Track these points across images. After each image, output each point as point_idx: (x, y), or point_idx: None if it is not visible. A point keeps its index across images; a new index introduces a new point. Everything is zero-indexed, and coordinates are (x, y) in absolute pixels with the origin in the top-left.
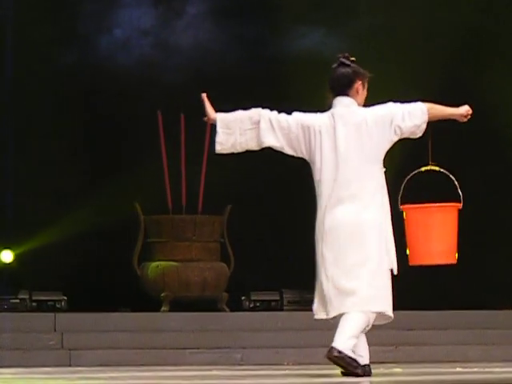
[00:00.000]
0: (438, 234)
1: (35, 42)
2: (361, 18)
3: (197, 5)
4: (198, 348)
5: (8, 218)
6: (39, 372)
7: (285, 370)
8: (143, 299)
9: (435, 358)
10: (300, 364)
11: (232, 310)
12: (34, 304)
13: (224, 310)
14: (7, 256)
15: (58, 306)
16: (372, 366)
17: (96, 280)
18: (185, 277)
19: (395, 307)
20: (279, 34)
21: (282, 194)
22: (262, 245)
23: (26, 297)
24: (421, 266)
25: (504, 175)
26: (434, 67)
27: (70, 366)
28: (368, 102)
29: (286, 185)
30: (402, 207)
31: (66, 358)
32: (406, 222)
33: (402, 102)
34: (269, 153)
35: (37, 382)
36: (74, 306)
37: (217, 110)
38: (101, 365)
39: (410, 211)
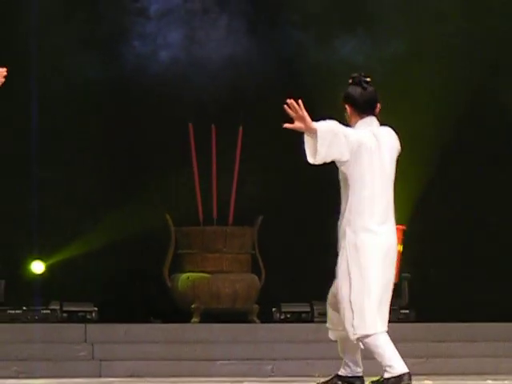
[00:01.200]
0: None
1: (61, 49)
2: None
3: (230, 17)
4: (229, 359)
5: (39, 228)
6: (70, 383)
7: (315, 381)
8: (174, 311)
9: (466, 370)
10: (330, 376)
11: (263, 322)
12: (64, 315)
13: (254, 322)
14: (38, 267)
15: (88, 316)
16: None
17: (127, 291)
18: (215, 288)
19: (427, 319)
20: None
21: (313, 204)
22: (293, 256)
23: (57, 307)
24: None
25: None
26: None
27: (100, 376)
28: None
29: (317, 196)
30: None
31: (97, 368)
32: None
33: None
34: (300, 164)
35: None
36: (104, 317)
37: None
38: (131, 376)
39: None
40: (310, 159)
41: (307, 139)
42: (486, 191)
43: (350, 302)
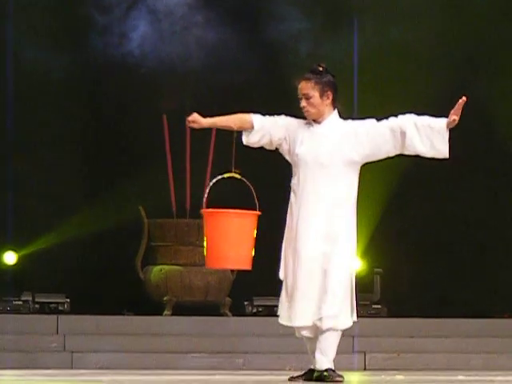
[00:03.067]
0: (235, 240)
1: (39, 38)
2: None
3: (210, 7)
4: (200, 352)
5: (11, 219)
6: (41, 374)
7: (287, 375)
8: (146, 303)
9: (437, 365)
10: (302, 369)
11: (235, 315)
12: (36, 306)
13: (227, 315)
14: (10, 258)
15: (60, 308)
16: (375, 373)
17: (99, 283)
18: (188, 281)
19: (399, 314)
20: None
21: (284, 197)
22: (265, 250)
23: (29, 299)
24: (232, 270)
25: None
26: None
27: (72, 368)
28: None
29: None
30: (202, 211)
31: (69, 360)
32: (204, 226)
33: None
34: (274, 156)
35: None
36: (76, 309)
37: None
38: (102, 367)
39: (208, 215)
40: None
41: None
42: (460, 188)
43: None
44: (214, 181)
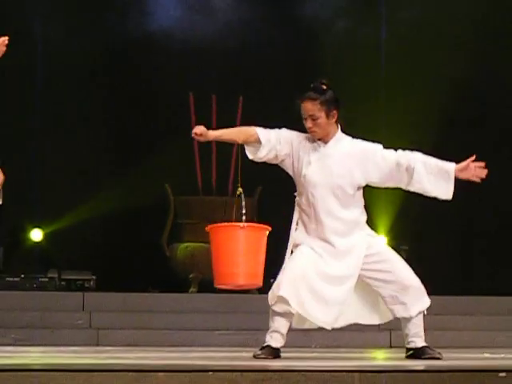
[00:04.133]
0: (244, 255)
1: (65, 18)
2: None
3: None
4: (227, 329)
5: (37, 197)
6: (67, 351)
7: (312, 352)
8: (172, 280)
9: (462, 343)
10: (327, 347)
11: (261, 292)
12: (62, 283)
13: (253, 292)
14: (37, 235)
15: (86, 285)
16: (398, 350)
17: (125, 260)
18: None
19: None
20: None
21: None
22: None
23: (55, 276)
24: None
25: None
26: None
27: (97, 345)
28: None
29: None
30: (209, 227)
31: (94, 337)
32: (211, 242)
33: None
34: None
35: (65, 361)
36: (102, 286)
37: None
38: (128, 345)
39: (216, 230)
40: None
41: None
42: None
43: None
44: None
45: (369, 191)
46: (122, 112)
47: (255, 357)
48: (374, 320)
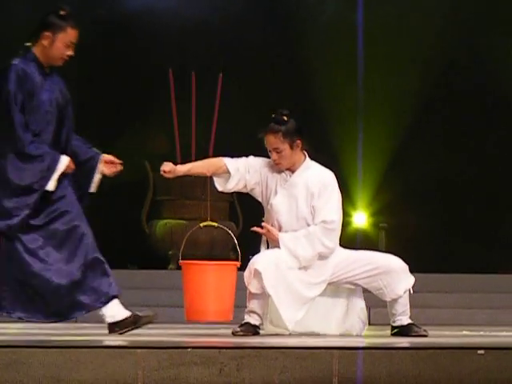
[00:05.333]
0: (214, 293)
1: None
2: None
3: None
4: None
5: None
6: (46, 327)
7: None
8: (151, 257)
9: (441, 320)
10: None
11: (239, 270)
12: None
13: None
14: None
15: None
16: (379, 327)
17: (104, 237)
18: (193, 235)
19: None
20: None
21: None
22: None
23: None
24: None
25: None
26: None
27: (75, 322)
28: None
29: None
30: (180, 262)
31: None
32: (182, 278)
33: None
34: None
35: (43, 338)
36: None
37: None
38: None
39: (187, 267)
40: None
41: None
42: (465, 142)
43: None
44: (192, 230)
45: (347, 167)
46: (100, 89)
47: (234, 334)
48: (330, 330)
